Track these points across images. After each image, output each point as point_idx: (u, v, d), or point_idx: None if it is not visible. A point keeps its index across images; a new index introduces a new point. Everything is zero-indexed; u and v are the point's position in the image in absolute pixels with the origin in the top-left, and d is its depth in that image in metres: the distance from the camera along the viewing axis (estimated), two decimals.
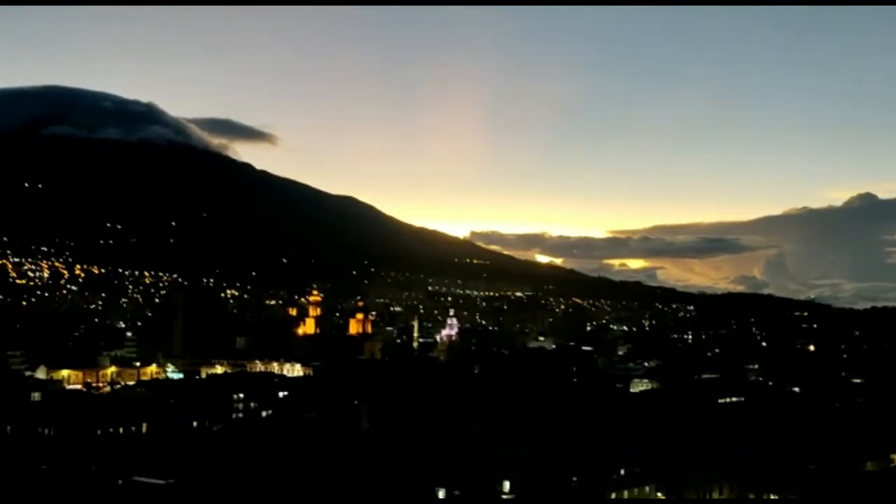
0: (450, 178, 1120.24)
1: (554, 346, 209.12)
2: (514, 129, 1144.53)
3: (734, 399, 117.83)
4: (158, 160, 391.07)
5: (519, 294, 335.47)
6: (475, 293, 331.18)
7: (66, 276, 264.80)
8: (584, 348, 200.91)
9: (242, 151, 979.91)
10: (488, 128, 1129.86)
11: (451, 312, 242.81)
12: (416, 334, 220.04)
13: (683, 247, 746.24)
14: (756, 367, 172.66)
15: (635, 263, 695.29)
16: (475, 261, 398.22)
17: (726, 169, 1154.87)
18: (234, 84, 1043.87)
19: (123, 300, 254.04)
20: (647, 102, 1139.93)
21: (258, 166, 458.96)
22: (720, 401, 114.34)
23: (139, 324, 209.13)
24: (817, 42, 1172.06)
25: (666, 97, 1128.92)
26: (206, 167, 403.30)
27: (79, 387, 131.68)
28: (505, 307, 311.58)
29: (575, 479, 58.67)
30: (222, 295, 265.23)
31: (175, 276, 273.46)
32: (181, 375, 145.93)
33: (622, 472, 62.02)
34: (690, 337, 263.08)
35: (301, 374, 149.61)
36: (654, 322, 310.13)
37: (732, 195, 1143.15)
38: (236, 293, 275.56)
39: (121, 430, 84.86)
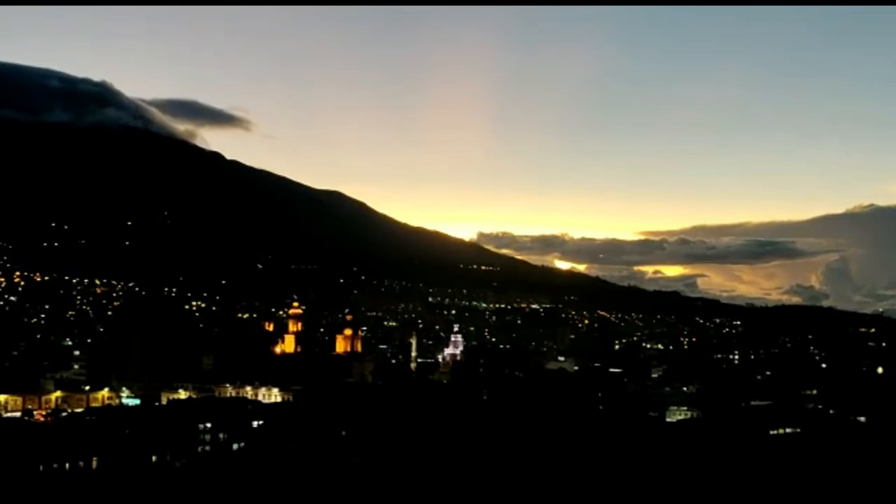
0: (453, 170, 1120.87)
1: (576, 368, 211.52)
2: (528, 114, 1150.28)
3: (788, 430, 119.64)
4: (113, 148, 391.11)
5: (535, 306, 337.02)
6: (483, 305, 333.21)
7: (3, 283, 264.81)
8: (612, 370, 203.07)
9: (211, 138, 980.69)
10: (498, 113, 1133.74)
11: (456, 328, 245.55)
12: (413, 353, 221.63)
13: (728, 251, 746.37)
14: (814, 392, 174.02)
15: (672, 270, 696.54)
16: (483, 267, 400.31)
17: (779, 160, 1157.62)
18: (201, 61, 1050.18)
19: (70, 313, 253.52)
20: (685, 85, 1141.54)
21: (229, 156, 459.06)
22: (772, 432, 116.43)
23: (89, 341, 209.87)
24: (886, 23, 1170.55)
25: (707, 78, 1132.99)
26: (169, 157, 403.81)
27: (17, 414, 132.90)
28: (518, 321, 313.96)
29: None
30: (186, 307, 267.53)
31: (131, 284, 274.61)
32: (138, 402, 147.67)
33: None
34: (737, 357, 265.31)
35: (279, 399, 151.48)
36: (693, 339, 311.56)
37: (786, 190, 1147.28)
38: (203, 305, 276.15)
39: (67, 465, 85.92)
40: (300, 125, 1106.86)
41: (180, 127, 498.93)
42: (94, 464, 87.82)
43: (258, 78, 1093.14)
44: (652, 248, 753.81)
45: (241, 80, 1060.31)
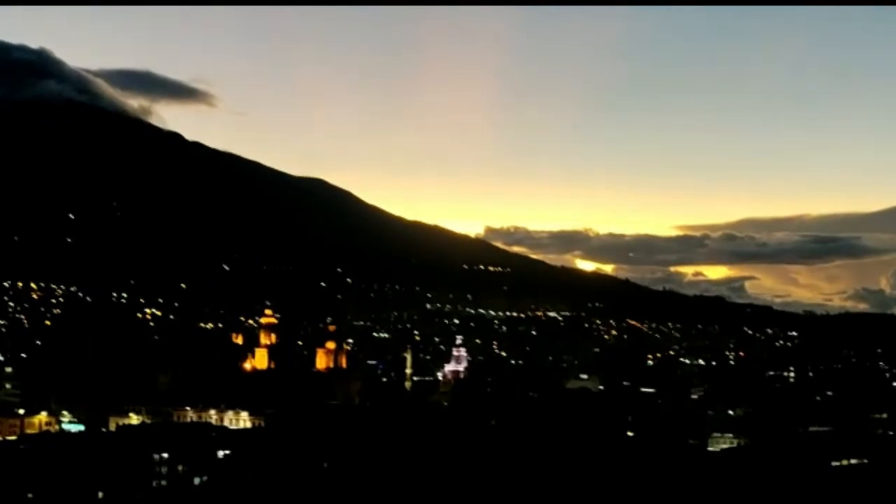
0: (456, 154, 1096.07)
1: (602, 388, 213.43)
2: (545, 89, 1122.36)
3: (854, 461, 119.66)
4: (52, 127, 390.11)
5: (553, 314, 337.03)
6: (492, 313, 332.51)
7: None
8: (644, 390, 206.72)
9: (169, 116, 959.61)
10: (509, 88, 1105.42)
11: (459, 340, 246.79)
12: (408, 370, 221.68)
13: (782, 248, 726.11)
14: (884, 416, 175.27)
15: (715, 272, 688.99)
16: (492, 268, 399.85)
17: (842, 143, 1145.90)
18: (156, 25, 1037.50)
19: (1, 322, 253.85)
20: (732, 55, 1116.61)
21: (190, 136, 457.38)
22: (834, 464, 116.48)
23: (23, 356, 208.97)
24: None
25: (759, 47, 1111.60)
26: (119, 137, 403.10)
27: None
28: (533, 332, 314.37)
29: None
30: (139, 315, 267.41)
31: (73, 289, 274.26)
32: (82, 428, 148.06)
33: None
34: (792, 374, 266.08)
35: (248, 425, 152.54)
36: (741, 354, 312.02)
37: (851, 178, 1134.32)
38: (159, 313, 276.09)
39: None
40: (275, 100, 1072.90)
41: (132, 102, 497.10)
42: (30, 501, 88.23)
43: (224, 45, 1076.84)
44: (691, 246, 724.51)
45: (205, 48, 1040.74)
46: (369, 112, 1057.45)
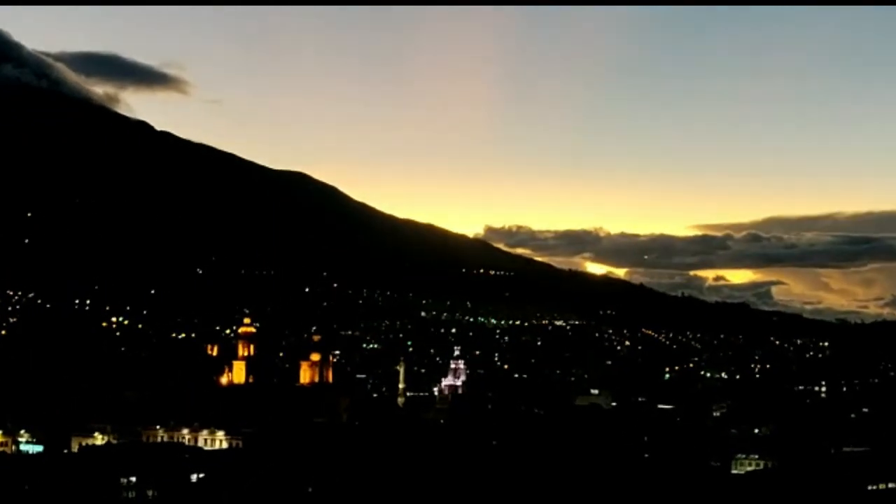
0: (454, 148, 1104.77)
1: (614, 404, 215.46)
2: (550, 78, 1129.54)
3: (892, 485, 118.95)
4: (9, 116, 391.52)
5: (560, 323, 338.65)
6: (493, 321, 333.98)
7: None
8: (661, 407, 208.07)
9: (137, 103, 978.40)
10: (512, 76, 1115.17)
11: (457, 351, 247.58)
12: (401, 385, 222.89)
13: (812, 250, 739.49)
14: None
15: (738, 276, 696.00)
16: (493, 272, 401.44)
17: (878, 135, 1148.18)
18: (123, 5, 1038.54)
19: None
20: (756, 38, 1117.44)
21: (159, 126, 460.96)
22: (871, 487, 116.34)
23: None
24: None
25: (787, 28, 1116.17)
26: (82, 126, 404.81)
27: None
28: (538, 343, 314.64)
29: None
30: (104, 324, 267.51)
31: (31, 295, 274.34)
32: (41, 449, 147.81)
33: None
34: (824, 389, 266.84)
35: (225, 445, 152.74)
36: (767, 366, 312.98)
37: (888, 173, 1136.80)
38: (126, 321, 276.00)
39: None
40: (253, 87, 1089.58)
41: (97, 88, 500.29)
42: None
43: (198, 26, 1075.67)
44: (712, 247, 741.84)
45: (176, 30, 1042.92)
46: (357, 100, 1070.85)
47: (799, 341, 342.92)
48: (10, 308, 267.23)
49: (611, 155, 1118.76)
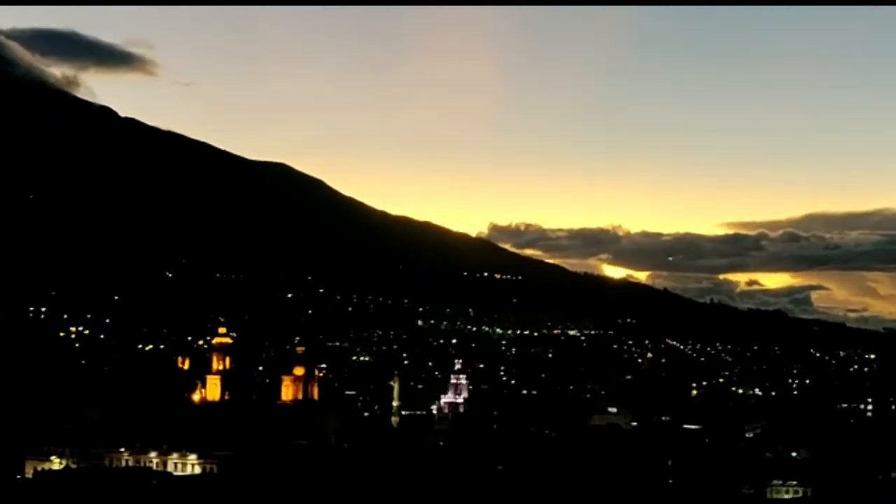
0: (454, 137, 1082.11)
1: (635, 424, 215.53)
2: (562, 60, 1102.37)
3: None
4: None
5: (574, 332, 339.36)
6: (498, 331, 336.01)
7: None
8: (688, 427, 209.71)
9: (99, 87, 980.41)
10: (520, 57, 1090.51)
11: (458, 365, 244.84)
12: (395, 403, 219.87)
13: (858, 251, 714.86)
14: None
15: (773, 279, 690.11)
16: (498, 275, 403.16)
17: None
18: None
19: None
20: (795, 20, 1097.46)
21: (124, 111, 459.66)
22: None
23: None
24: None
25: (828, 18, 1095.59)
26: (37, 112, 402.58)
27: None
28: (550, 355, 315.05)
29: None
30: (62, 334, 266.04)
31: None
32: None
33: None
34: (870, 407, 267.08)
35: (198, 470, 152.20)
36: (807, 382, 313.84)
37: None
38: (86, 331, 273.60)
39: None
40: (229, 69, 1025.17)
41: (54, 70, 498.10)
42: None
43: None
44: (745, 248, 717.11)
45: (143, 5, 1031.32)
46: (346, 84, 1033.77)
47: (842, 353, 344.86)
48: None
49: (630, 144, 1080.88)
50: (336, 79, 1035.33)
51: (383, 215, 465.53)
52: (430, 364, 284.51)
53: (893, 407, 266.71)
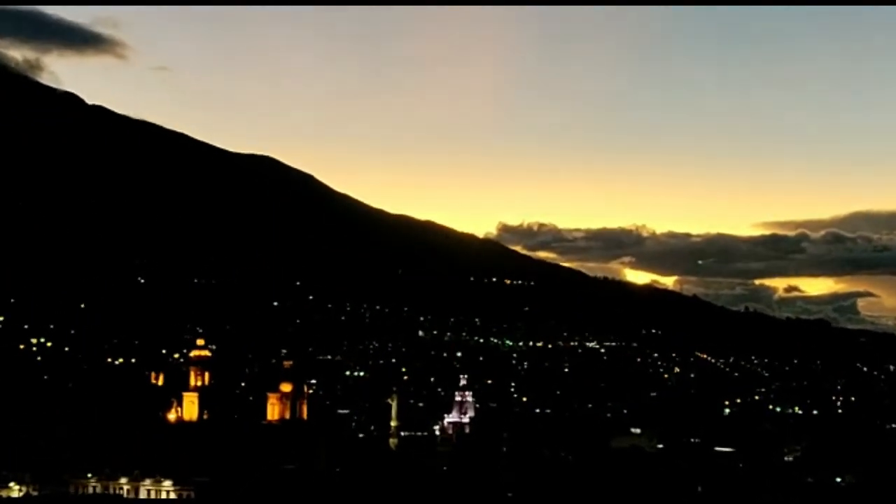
0: (459, 130, 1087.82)
1: (660, 446, 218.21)
2: (580, 45, 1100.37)
3: None
4: None
5: (592, 344, 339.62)
6: (509, 343, 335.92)
7: None
8: (719, 449, 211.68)
9: (64, 71, 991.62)
10: (532, 44, 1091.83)
11: (463, 380, 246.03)
12: (394, 423, 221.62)
13: None
14: None
15: (815, 285, 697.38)
16: (508, 280, 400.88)
17: None
18: None
19: None
20: (833, 13, 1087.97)
21: (91, 98, 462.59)
22: None
23: None
24: None
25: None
26: None
27: None
28: (566, 369, 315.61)
29: None
30: (23, 346, 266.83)
31: None
32: None
33: None
34: None
35: (173, 497, 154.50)
36: (852, 399, 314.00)
37: None
38: (49, 343, 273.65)
39: None
40: (209, 52, 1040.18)
41: (14, 53, 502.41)
42: None
43: None
44: (783, 250, 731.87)
45: None
46: (339, 71, 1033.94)
47: (892, 368, 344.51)
48: None
49: (655, 137, 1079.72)
50: (329, 67, 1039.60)
51: (380, 213, 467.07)
52: (432, 380, 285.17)
53: None
